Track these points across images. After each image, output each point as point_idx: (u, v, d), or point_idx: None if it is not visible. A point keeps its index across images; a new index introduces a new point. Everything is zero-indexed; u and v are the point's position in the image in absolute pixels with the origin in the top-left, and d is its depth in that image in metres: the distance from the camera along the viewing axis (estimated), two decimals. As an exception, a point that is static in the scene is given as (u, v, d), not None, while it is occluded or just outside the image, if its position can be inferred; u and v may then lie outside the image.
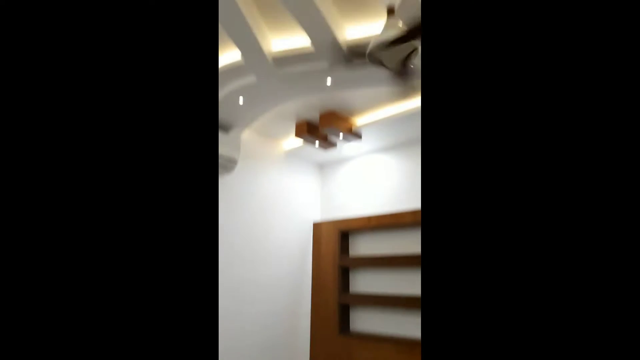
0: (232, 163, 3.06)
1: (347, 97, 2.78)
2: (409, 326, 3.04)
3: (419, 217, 3.09)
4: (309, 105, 2.85)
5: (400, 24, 1.58)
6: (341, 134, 3.08)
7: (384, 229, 3.35)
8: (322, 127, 3.00)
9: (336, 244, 3.57)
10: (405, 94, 2.64)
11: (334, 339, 3.33)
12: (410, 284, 3.11)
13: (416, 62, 1.71)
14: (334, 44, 2.01)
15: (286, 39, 2.26)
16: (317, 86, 2.48)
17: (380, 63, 1.63)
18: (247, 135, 3.27)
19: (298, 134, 3.15)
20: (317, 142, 3.23)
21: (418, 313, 3.01)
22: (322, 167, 4.07)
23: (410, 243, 3.19)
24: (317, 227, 3.79)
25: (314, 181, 3.99)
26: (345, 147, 3.53)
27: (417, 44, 1.53)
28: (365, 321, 3.33)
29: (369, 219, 3.41)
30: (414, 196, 3.26)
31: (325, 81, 2.40)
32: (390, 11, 1.62)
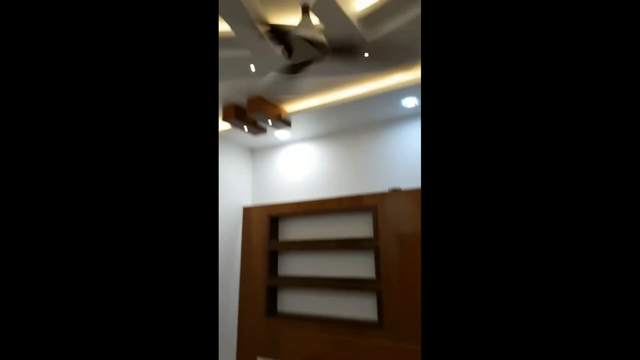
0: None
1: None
2: (332, 306, 3.21)
3: (343, 204, 3.23)
4: (236, 89, 2.80)
5: (314, 24, 1.63)
6: (270, 120, 3.08)
7: (311, 215, 3.46)
8: (250, 112, 2.97)
9: (266, 229, 3.61)
10: (287, 90, 2.75)
11: (261, 320, 3.41)
12: (334, 266, 3.27)
13: (309, 69, 1.82)
14: (254, 30, 1.98)
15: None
16: (242, 72, 2.45)
17: (289, 53, 1.66)
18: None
19: (225, 117, 3.09)
20: (245, 127, 3.20)
21: (340, 294, 3.19)
22: (254, 152, 4.05)
23: (335, 228, 3.34)
24: (247, 212, 3.79)
25: (245, 166, 3.96)
26: (276, 134, 3.54)
27: (321, 55, 1.63)
28: (291, 302, 3.45)
29: (297, 204, 3.49)
30: (339, 184, 3.39)
31: (249, 68, 2.38)
32: (305, 10, 1.64)
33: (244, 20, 1.95)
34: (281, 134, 3.54)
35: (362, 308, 3.05)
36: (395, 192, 2.98)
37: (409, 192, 2.92)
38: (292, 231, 3.60)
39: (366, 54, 2.19)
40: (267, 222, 3.61)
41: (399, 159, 3.14)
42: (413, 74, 2.57)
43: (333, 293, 3.23)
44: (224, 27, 2.12)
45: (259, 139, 3.70)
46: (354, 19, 1.97)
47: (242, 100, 2.99)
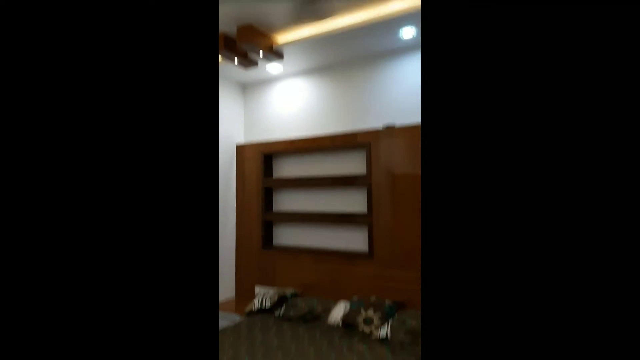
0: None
1: (266, 12, 2.59)
2: (325, 239, 3.36)
3: (336, 142, 3.22)
4: (225, 16, 2.61)
5: None
6: (261, 52, 2.93)
7: (305, 153, 3.46)
8: (240, 42, 2.81)
9: (260, 166, 3.63)
10: (311, 14, 2.55)
11: (258, 252, 3.59)
12: (327, 202, 3.36)
13: None
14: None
15: None
16: (229, -4, 2.26)
17: None
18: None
19: (214, 49, 2.92)
20: (236, 59, 3.05)
21: (333, 228, 3.32)
22: (245, 88, 3.91)
23: (329, 165, 3.37)
24: (241, 150, 3.78)
25: (237, 103, 3.85)
26: (267, 68, 3.39)
27: None
28: (286, 236, 3.60)
29: (291, 142, 3.47)
30: (333, 120, 3.35)
31: (237, -9, 2.19)
32: None
33: None
34: (273, 67, 3.39)
35: (354, 240, 3.20)
36: (390, 129, 2.96)
37: (403, 129, 2.91)
38: (286, 168, 3.63)
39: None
40: (261, 159, 3.62)
41: (395, 94, 3.06)
42: (412, 0, 2.40)
43: (326, 227, 3.36)
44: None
45: (250, 74, 3.55)
46: None
47: (231, 29, 2.80)
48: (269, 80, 3.74)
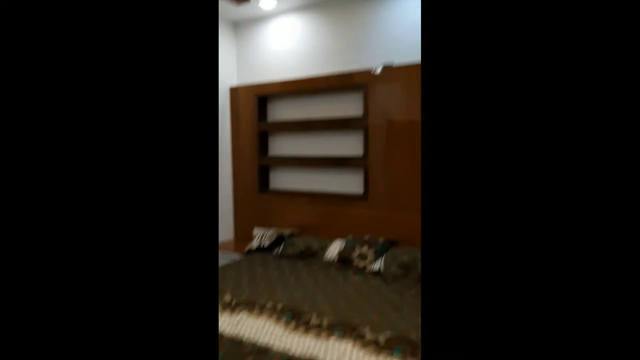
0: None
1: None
2: (321, 182, 3.42)
3: (331, 82, 3.15)
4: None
5: None
6: (253, -15, 2.75)
7: (300, 95, 3.40)
8: (230, -26, 2.62)
9: (254, 110, 3.57)
10: None
11: (255, 196, 3.65)
12: (322, 145, 3.36)
13: None
14: None
15: None
16: None
17: None
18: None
19: (203, -20, 2.73)
20: (226, -7, 2.86)
21: (329, 171, 3.36)
22: (237, 27, 3.72)
23: (324, 107, 3.32)
24: (234, 92, 3.69)
25: (229, 42, 3.68)
26: (260, 4, 3.20)
27: None
28: (283, 180, 3.65)
29: (284, 83, 3.39)
30: (330, 60, 3.24)
31: None
32: None
33: None
34: (266, 3, 3.21)
35: (350, 183, 3.26)
36: (387, 69, 2.89)
37: (402, 69, 2.84)
38: (281, 111, 3.58)
39: None
40: (255, 102, 3.55)
41: (395, 31, 2.95)
42: None
43: (322, 171, 3.40)
44: None
45: (242, 11, 3.36)
46: None
47: (219, -43, 2.60)
48: (262, 18, 3.55)
